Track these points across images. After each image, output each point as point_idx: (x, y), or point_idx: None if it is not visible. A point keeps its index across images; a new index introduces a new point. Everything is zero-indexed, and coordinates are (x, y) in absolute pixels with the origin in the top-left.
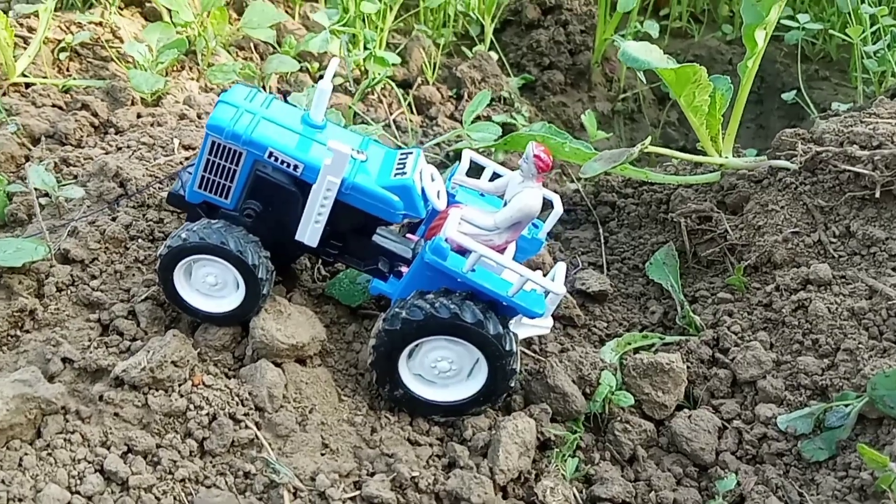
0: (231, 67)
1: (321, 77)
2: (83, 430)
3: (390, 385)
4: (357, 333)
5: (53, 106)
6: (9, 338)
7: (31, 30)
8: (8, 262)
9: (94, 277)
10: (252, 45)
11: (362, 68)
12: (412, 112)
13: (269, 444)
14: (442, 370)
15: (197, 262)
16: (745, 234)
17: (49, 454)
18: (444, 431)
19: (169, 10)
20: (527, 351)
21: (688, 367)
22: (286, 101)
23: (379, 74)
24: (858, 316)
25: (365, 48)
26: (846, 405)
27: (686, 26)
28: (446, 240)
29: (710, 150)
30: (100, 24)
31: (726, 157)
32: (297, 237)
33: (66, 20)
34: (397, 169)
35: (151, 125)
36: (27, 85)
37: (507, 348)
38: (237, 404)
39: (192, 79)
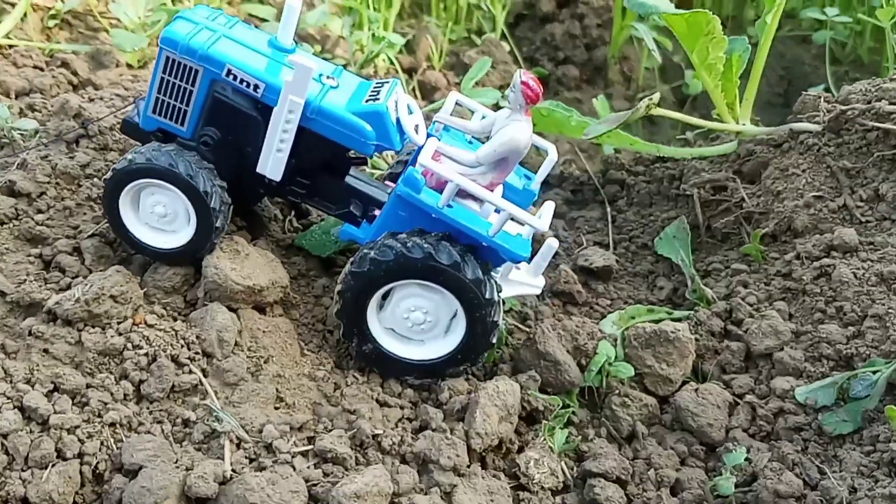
0: None
1: None
2: (6, 365)
3: (358, 338)
4: (327, 288)
5: (35, 67)
6: None
7: (35, 7)
8: None
9: (39, 212)
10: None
11: (366, 51)
12: (416, 97)
13: (216, 392)
14: (416, 322)
15: (145, 190)
16: (763, 201)
17: None
18: (418, 395)
19: None
20: (521, 326)
21: (696, 340)
22: None
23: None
24: (889, 281)
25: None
26: (874, 372)
27: None
28: (423, 173)
29: (726, 116)
30: None
31: (743, 125)
32: (258, 169)
33: None
34: (370, 96)
35: (132, 82)
36: (11, 48)
37: (487, 296)
38: (182, 347)
39: None
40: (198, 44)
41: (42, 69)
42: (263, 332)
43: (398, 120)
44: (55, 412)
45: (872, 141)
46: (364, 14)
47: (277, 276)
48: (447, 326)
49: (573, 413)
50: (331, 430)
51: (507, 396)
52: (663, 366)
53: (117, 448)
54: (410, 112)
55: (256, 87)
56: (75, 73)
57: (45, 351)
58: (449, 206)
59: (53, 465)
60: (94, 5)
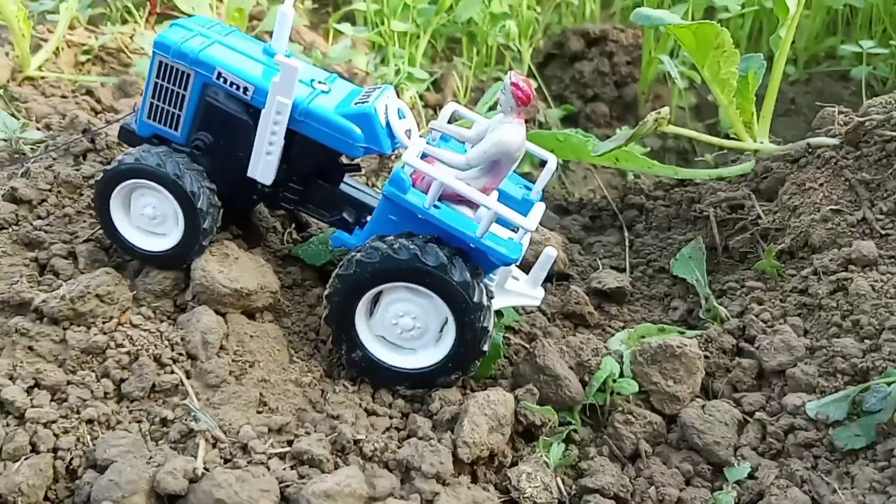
0: None
1: None
2: None
3: (348, 345)
4: (321, 298)
5: (62, 97)
6: None
7: (70, 44)
8: None
9: (39, 218)
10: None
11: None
12: None
13: (197, 394)
14: (405, 329)
15: (136, 192)
16: (780, 216)
17: None
18: (409, 406)
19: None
20: (526, 345)
21: (707, 358)
22: None
23: (403, 85)
24: None
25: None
26: (888, 384)
27: None
28: (414, 177)
29: (742, 134)
30: (131, 36)
31: (761, 143)
32: (249, 173)
33: (97, 32)
34: (360, 99)
35: None
36: (42, 79)
37: (476, 300)
38: (165, 347)
39: None
40: (189, 48)
41: (67, 97)
42: (251, 336)
43: (388, 123)
44: (32, 406)
45: (892, 152)
46: (391, 50)
47: (267, 280)
48: (438, 335)
49: (575, 431)
50: (311, 434)
51: (498, 406)
52: (670, 383)
53: (93, 445)
54: (403, 117)
55: (246, 89)
56: (98, 101)
57: (30, 348)
58: (436, 206)
59: (26, 458)
60: (126, 43)
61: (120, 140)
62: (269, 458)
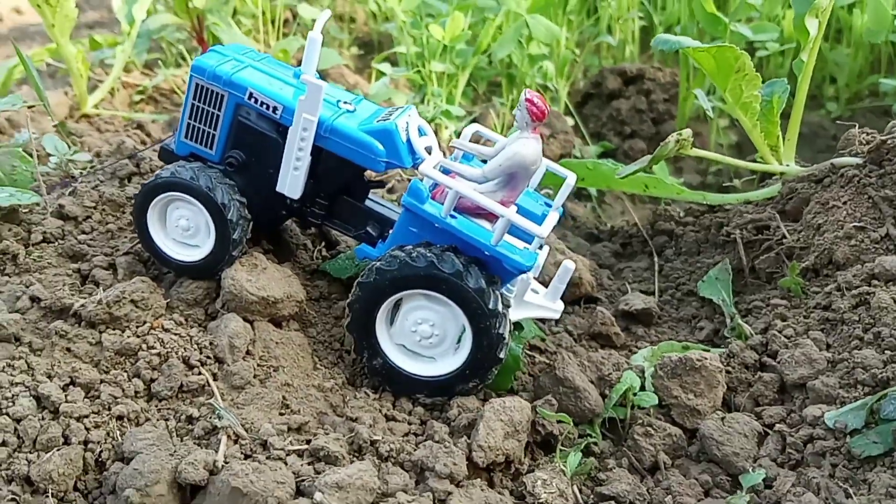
0: None
1: None
2: (30, 360)
3: (368, 352)
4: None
5: (115, 132)
6: None
7: (125, 85)
8: None
9: (83, 233)
10: None
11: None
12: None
13: (222, 394)
14: (423, 336)
15: (171, 205)
16: (804, 235)
17: None
18: (429, 414)
19: None
20: (549, 361)
21: (729, 373)
22: None
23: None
24: None
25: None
26: None
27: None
28: (434, 191)
29: (768, 157)
30: (183, 78)
31: (787, 165)
32: (277, 188)
33: (152, 75)
34: (383, 117)
35: None
36: (98, 116)
37: (491, 307)
38: (194, 350)
39: None
40: (223, 71)
41: (119, 132)
42: (276, 343)
43: (409, 140)
44: (66, 401)
45: None
46: (430, 89)
47: (293, 290)
48: (456, 343)
49: (595, 443)
50: (329, 434)
51: (514, 412)
52: (690, 396)
53: (121, 439)
54: (424, 134)
55: (275, 108)
56: (148, 135)
57: (68, 349)
58: (453, 216)
59: (58, 449)
60: (178, 84)
61: (160, 160)
62: (287, 455)
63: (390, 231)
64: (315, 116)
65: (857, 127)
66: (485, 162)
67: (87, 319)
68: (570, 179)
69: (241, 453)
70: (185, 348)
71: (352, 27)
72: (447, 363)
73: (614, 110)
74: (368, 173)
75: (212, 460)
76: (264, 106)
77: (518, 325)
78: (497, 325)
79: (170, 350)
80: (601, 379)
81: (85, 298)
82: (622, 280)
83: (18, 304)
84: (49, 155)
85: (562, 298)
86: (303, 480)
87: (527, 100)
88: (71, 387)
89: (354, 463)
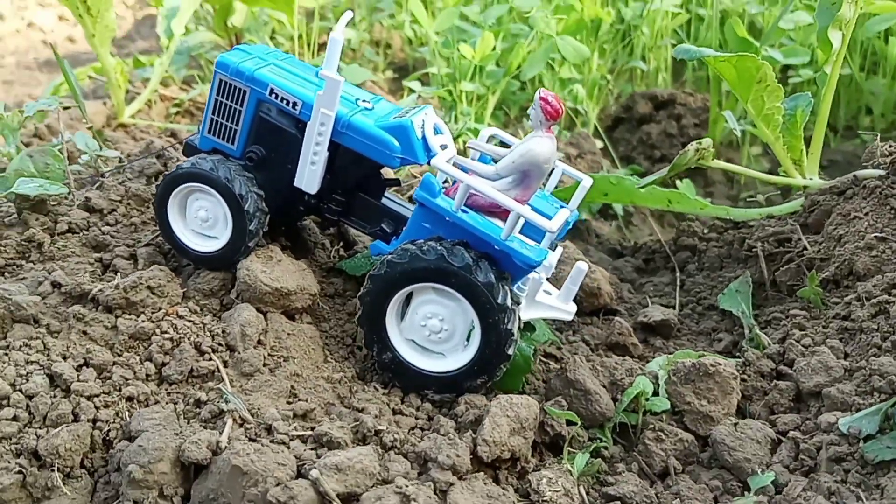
0: None
1: None
2: (47, 341)
3: (378, 346)
4: None
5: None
6: (14, 266)
7: (163, 98)
8: (22, 190)
9: (108, 225)
10: None
11: (459, 143)
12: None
13: (231, 381)
14: (433, 331)
15: (191, 197)
16: (825, 246)
17: (5, 353)
18: (436, 410)
19: None
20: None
21: (744, 381)
22: None
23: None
24: None
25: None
26: None
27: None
28: (447, 191)
29: (791, 171)
30: None
31: (810, 179)
32: (295, 183)
33: (189, 89)
34: (398, 115)
35: None
36: (134, 126)
37: (500, 301)
38: (206, 337)
39: None
40: (246, 67)
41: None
42: (288, 334)
43: (424, 137)
44: (78, 380)
45: None
46: (459, 108)
47: (307, 283)
48: (466, 339)
49: (605, 447)
50: (334, 421)
51: (520, 409)
52: (703, 402)
53: (129, 419)
54: (440, 132)
55: (295, 104)
56: (180, 142)
57: (84, 332)
58: (464, 211)
59: (67, 425)
60: None
61: (184, 155)
62: (291, 439)
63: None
64: (332, 111)
65: (878, 138)
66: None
67: (105, 304)
68: (586, 182)
69: (246, 436)
70: (197, 335)
71: (388, 52)
72: (456, 359)
73: (644, 134)
74: (386, 171)
75: (215, 441)
76: (284, 102)
77: (530, 327)
78: (506, 320)
79: (182, 336)
80: (613, 384)
81: (103, 284)
82: (643, 294)
83: (40, 288)
84: (82, 153)
85: (581, 310)
86: (304, 463)
87: (541, 98)
88: (84, 367)
89: (356, 447)
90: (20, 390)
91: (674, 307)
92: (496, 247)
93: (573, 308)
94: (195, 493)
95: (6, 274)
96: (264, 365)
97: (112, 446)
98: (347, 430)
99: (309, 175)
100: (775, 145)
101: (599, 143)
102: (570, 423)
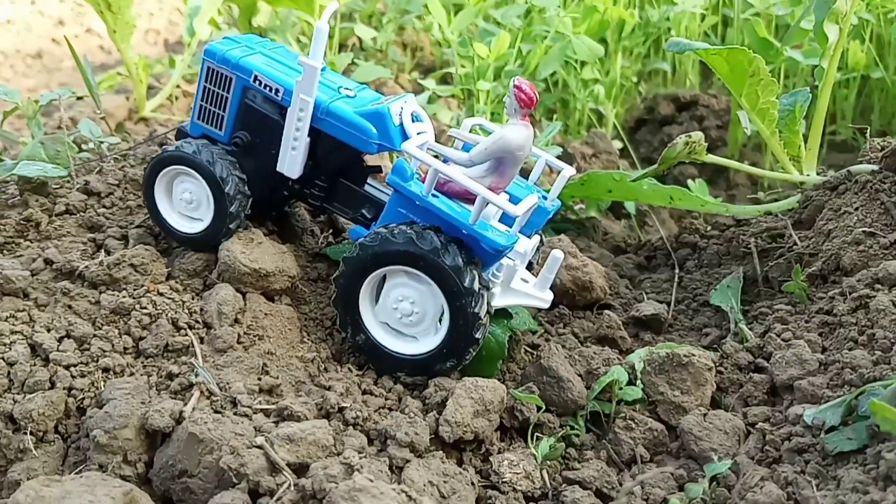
0: None
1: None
2: (33, 313)
3: (352, 328)
4: None
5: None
6: (13, 244)
7: (185, 94)
8: (24, 172)
9: (104, 207)
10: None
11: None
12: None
13: (204, 356)
14: (404, 313)
15: (177, 179)
16: (814, 242)
17: None
18: (407, 392)
19: None
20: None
21: (721, 373)
22: None
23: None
24: None
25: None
26: (885, 387)
27: (850, 138)
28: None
29: (788, 167)
30: None
31: (808, 175)
32: (277, 167)
33: None
34: (377, 102)
35: None
36: (153, 119)
37: (467, 285)
38: (184, 313)
39: None
40: (232, 55)
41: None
42: (265, 314)
43: (402, 124)
44: (58, 350)
45: None
46: (476, 107)
47: (286, 265)
48: (437, 323)
49: (576, 435)
50: (299, 397)
51: (485, 392)
52: (676, 393)
53: (103, 386)
54: (419, 120)
55: (277, 91)
56: (174, 129)
57: (69, 306)
58: (435, 195)
59: (43, 392)
60: None
61: (176, 140)
62: (254, 413)
63: None
64: (311, 97)
65: (868, 131)
66: None
67: (90, 280)
68: (566, 172)
69: (212, 408)
70: (175, 311)
71: (418, 54)
72: (428, 342)
73: (666, 136)
74: (372, 158)
75: (178, 410)
76: (267, 88)
77: (506, 313)
78: (473, 304)
79: (161, 312)
80: (589, 373)
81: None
82: (641, 290)
83: (34, 265)
84: (88, 141)
85: (574, 304)
86: (266, 434)
87: (515, 86)
88: (66, 339)
89: (311, 420)
90: (2, 358)
91: (669, 303)
92: (464, 231)
93: (549, 296)
94: (157, 459)
95: (5, 251)
96: (238, 342)
97: (85, 413)
98: (311, 405)
99: (290, 160)
100: (771, 140)
101: (619, 144)
102: (541, 408)
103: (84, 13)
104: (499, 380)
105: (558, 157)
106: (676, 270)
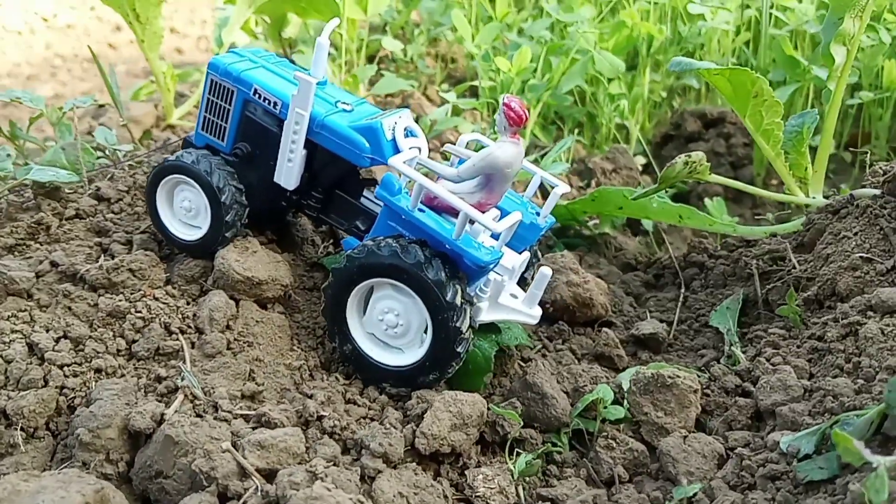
0: None
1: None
2: (35, 314)
3: (340, 338)
4: None
5: None
6: (24, 246)
7: None
8: (36, 176)
9: (112, 213)
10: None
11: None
12: (535, 196)
13: (193, 361)
14: (389, 325)
15: (177, 188)
16: (812, 265)
17: None
18: (391, 403)
19: None
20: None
21: (707, 396)
22: None
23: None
24: None
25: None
26: (857, 416)
27: (883, 159)
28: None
29: (793, 188)
30: None
31: (813, 198)
32: (275, 178)
33: None
34: (371, 117)
35: None
36: (179, 127)
37: (449, 299)
38: (177, 318)
39: None
40: (234, 68)
41: (170, 137)
42: (257, 322)
43: (394, 139)
44: (54, 350)
45: None
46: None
47: (279, 274)
48: (423, 335)
49: (559, 452)
50: (279, 404)
51: (464, 406)
52: (660, 414)
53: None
54: (413, 135)
55: (275, 104)
56: (182, 139)
57: (69, 308)
58: (421, 210)
59: (36, 389)
60: None
61: (182, 149)
62: (234, 418)
63: None
64: (306, 111)
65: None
66: None
67: (90, 283)
68: (558, 190)
69: (194, 412)
70: (168, 316)
71: (451, 66)
72: (413, 354)
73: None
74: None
75: (160, 412)
76: (266, 101)
77: (495, 328)
78: (455, 318)
79: (155, 316)
80: (576, 390)
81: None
82: (645, 308)
83: (40, 266)
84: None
85: (574, 320)
86: (239, 440)
87: (504, 104)
88: (63, 339)
89: (285, 427)
90: (0, 356)
91: (672, 322)
92: (447, 246)
93: (538, 312)
94: (138, 459)
95: (15, 252)
96: (228, 348)
97: (75, 412)
98: (291, 412)
99: (286, 171)
100: (776, 161)
101: (643, 160)
102: (519, 424)
103: None
104: (488, 393)
105: (578, 173)
106: (682, 290)
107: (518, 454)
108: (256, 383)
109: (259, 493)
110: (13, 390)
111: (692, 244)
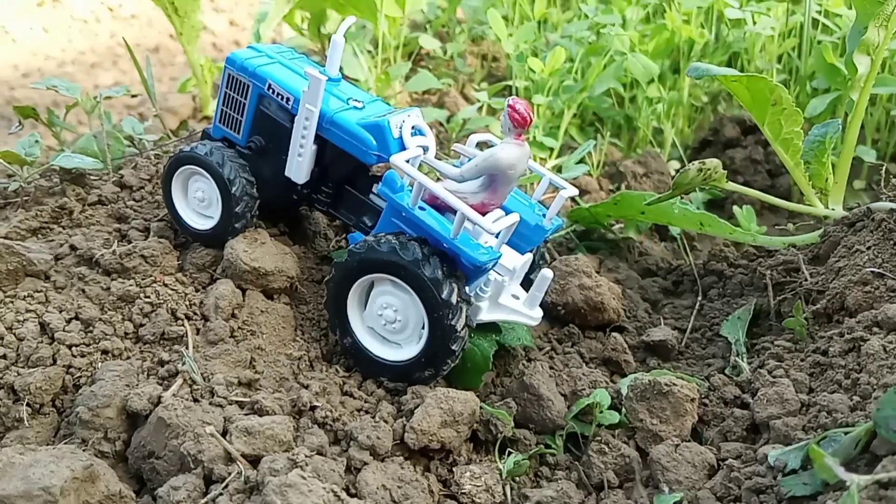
0: None
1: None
2: (50, 295)
3: (340, 330)
4: None
5: None
6: (47, 230)
7: None
8: (61, 163)
9: (134, 200)
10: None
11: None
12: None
13: (196, 346)
14: (388, 320)
15: (192, 178)
16: (824, 278)
17: (11, 301)
18: (388, 397)
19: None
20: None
21: (705, 405)
22: None
23: None
24: None
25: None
26: (846, 433)
27: None
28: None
29: (813, 199)
30: None
31: (832, 209)
32: (285, 173)
33: None
34: (380, 114)
35: None
36: None
37: (444, 297)
38: (184, 305)
39: None
40: (250, 64)
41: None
42: (262, 311)
43: (401, 137)
44: (64, 331)
45: None
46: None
47: (286, 265)
48: (421, 331)
49: (552, 454)
50: (274, 393)
51: (455, 403)
52: (655, 421)
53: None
54: (421, 133)
55: (288, 99)
56: (202, 131)
57: (83, 290)
58: (422, 208)
59: (44, 367)
60: None
61: (201, 140)
62: (229, 403)
63: None
64: (316, 107)
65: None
66: None
67: (104, 267)
68: (564, 192)
69: (191, 396)
70: (176, 302)
71: (494, 66)
72: (410, 350)
73: (729, 159)
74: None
75: (157, 395)
76: (280, 97)
77: (495, 327)
78: (450, 316)
79: (163, 302)
80: (574, 393)
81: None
82: (660, 315)
83: (60, 249)
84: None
85: (585, 324)
86: (231, 425)
87: (509, 105)
88: (74, 321)
89: (274, 415)
90: (14, 333)
91: (685, 330)
92: (445, 245)
93: (539, 314)
94: (134, 439)
95: (38, 235)
96: (231, 336)
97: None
98: (286, 401)
99: (296, 166)
100: (795, 171)
101: (676, 164)
102: (510, 424)
103: (200, 10)
104: (488, 392)
105: (609, 176)
106: (699, 298)
107: (509, 454)
108: (255, 371)
109: (242, 478)
110: (23, 367)
111: (712, 252)
